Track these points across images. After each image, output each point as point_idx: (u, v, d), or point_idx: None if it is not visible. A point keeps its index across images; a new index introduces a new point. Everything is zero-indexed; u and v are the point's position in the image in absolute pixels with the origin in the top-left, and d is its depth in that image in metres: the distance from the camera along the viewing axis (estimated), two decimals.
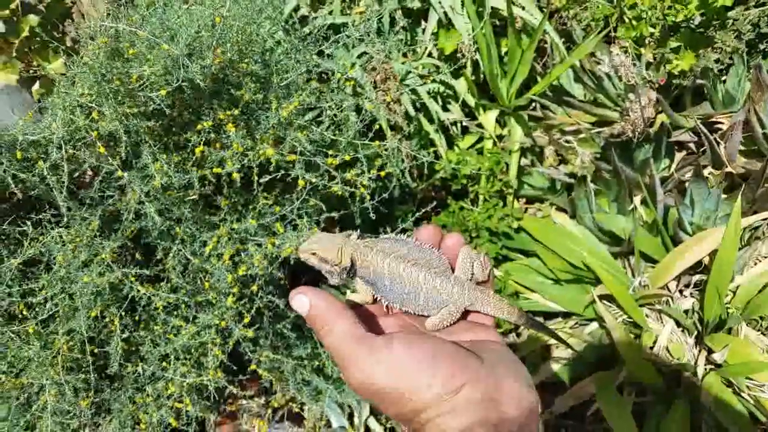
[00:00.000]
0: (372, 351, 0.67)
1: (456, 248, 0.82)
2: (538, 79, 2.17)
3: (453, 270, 0.83)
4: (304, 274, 1.84)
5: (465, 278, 0.81)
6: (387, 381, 0.65)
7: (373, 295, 0.82)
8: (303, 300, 0.72)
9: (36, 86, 1.63)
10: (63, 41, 1.76)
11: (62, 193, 1.20)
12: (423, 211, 1.62)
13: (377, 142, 1.43)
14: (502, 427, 0.63)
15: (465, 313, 0.82)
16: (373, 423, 1.89)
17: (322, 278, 0.85)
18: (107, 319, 1.42)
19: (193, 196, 1.31)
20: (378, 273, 0.80)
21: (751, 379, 1.67)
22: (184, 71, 1.14)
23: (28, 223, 1.29)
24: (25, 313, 1.33)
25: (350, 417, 1.88)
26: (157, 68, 1.16)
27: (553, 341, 1.94)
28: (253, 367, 1.59)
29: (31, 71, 1.65)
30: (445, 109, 2.13)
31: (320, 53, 1.65)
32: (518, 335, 2.05)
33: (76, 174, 1.35)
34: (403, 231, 1.63)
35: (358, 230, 0.86)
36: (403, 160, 1.54)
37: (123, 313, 1.41)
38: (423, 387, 0.64)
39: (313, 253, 0.81)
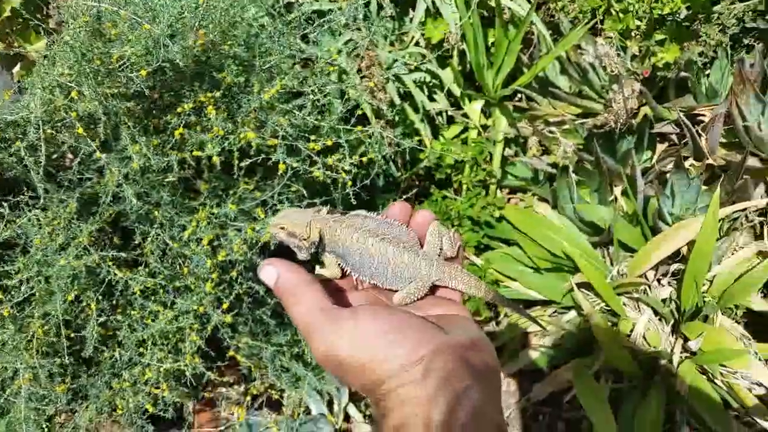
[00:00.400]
0: (337, 322, 0.67)
1: (426, 224, 0.83)
2: (524, 70, 2.17)
3: (422, 246, 0.83)
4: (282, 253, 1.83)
5: (433, 253, 0.82)
6: (350, 352, 0.65)
7: (342, 270, 0.82)
8: (271, 271, 0.72)
9: (17, 68, 1.61)
10: (46, 23, 1.73)
11: (39, 173, 1.18)
12: (405, 197, 1.62)
13: (360, 127, 1.43)
14: (464, 397, 0.63)
15: (433, 288, 0.82)
16: (352, 410, 1.90)
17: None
18: (84, 303, 1.40)
19: (173, 179, 1.30)
20: (346, 247, 0.80)
21: (725, 366, 1.69)
22: (164, 51, 1.12)
23: (5, 204, 1.27)
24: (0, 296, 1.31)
25: (330, 404, 1.89)
26: (138, 48, 1.14)
27: (531, 329, 1.95)
28: (231, 353, 1.58)
29: (12, 53, 1.62)
30: (430, 98, 2.12)
31: (306, 39, 1.64)
32: (497, 323, 2.06)
33: (55, 156, 1.33)
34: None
35: (328, 205, 0.86)
36: (388, 146, 1.54)
37: (100, 297, 1.40)
38: (387, 358, 0.64)
39: (282, 228, 0.81)
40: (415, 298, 0.79)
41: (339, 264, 0.82)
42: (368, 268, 0.80)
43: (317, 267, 0.84)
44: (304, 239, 0.81)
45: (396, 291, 0.80)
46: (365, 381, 0.66)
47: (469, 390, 0.64)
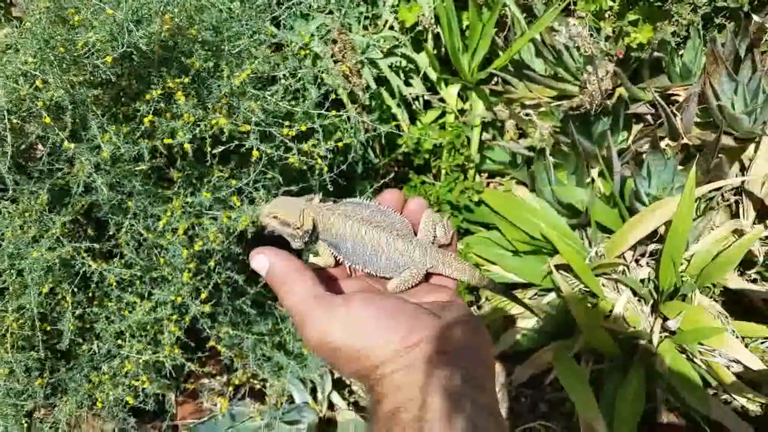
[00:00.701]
0: (330, 309, 0.66)
1: (419, 212, 0.83)
2: (500, 53, 2.16)
3: (416, 233, 0.83)
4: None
5: (427, 241, 0.82)
6: (344, 339, 0.65)
7: (336, 258, 0.82)
8: (262, 260, 0.71)
9: None
10: (9, 11, 1.70)
11: (6, 165, 1.16)
12: (382, 182, 1.61)
13: (334, 112, 1.42)
14: (456, 381, 0.63)
15: (427, 276, 0.82)
16: (336, 398, 1.90)
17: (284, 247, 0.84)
18: (59, 296, 1.38)
19: (143, 167, 1.28)
20: (340, 235, 0.80)
21: (704, 345, 1.71)
22: (129, 37, 1.10)
23: None
24: None
25: (313, 392, 1.88)
26: (102, 35, 1.12)
27: (513, 312, 1.96)
28: (212, 343, 1.57)
29: None
30: (407, 83, 2.11)
31: (277, 23, 1.62)
32: (479, 308, 2.06)
33: (23, 146, 1.31)
34: (378, 192, 1.63)
35: (320, 193, 0.85)
36: (363, 131, 1.53)
37: (75, 290, 1.38)
38: (380, 343, 0.64)
39: (275, 217, 0.80)
40: (409, 286, 0.80)
41: (332, 252, 0.82)
42: (362, 256, 0.80)
43: (310, 256, 0.84)
44: (298, 228, 0.80)
45: (390, 279, 0.80)
46: (359, 367, 0.66)
47: (465, 375, 0.64)
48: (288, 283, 0.69)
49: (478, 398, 0.64)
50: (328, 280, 0.76)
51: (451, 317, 0.69)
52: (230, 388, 1.82)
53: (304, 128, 1.35)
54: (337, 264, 0.83)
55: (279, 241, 0.82)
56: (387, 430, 0.62)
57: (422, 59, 2.07)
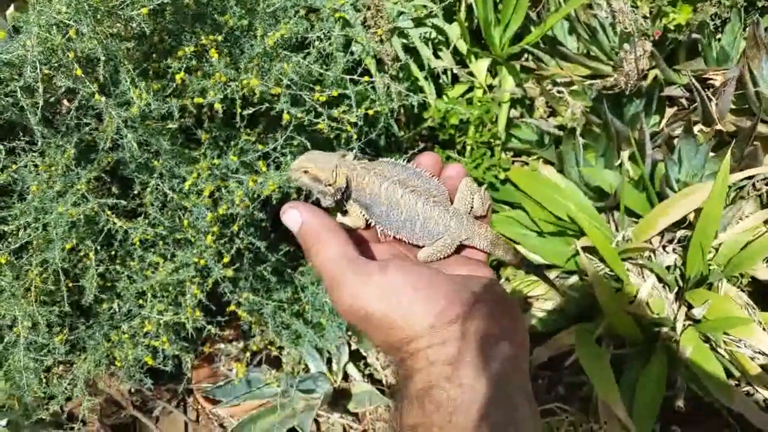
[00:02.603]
0: (364, 273, 0.64)
1: (456, 179, 0.79)
2: (532, 29, 2.12)
3: (452, 201, 0.79)
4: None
5: (464, 211, 0.78)
6: (378, 306, 0.63)
7: (366, 220, 0.78)
8: (295, 215, 0.69)
9: (11, 9, 1.55)
10: None
11: (37, 116, 1.14)
12: (408, 154, 1.58)
13: (367, 78, 1.38)
14: (493, 362, 0.62)
15: (459, 247, 0.79)
16: (351, 369, 1.89)
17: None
18: (82, 253, 1.37)
19: (173, 126, 1.26)
20: (374, 197, 0.76)
21: (729, 335, 1.68)
22: None
23: (3, 148, 1.23)
24: None
25: (329, 362, 1.88)
26: None
27: (533, 293, 1.94)
28: (232, 307, 1.56)
29: None
30: (436, 56, 2.07)
31: None
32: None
33: (52, 99, 1.29)
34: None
35: (355, 149, 0.81)
36: (392, 100, 1.50)
37: (98, 247, 1.37)
38: (416, 316, 0.62)
39: (306, 171, 0.76)
40: (442, 256, 0.77)
41: (363, 214, 0.78)
42: (395, 221, 0.76)
43: (338, 215, 0.80)
44: (330, 185, 0.76)
45: (421, 246, 0.77)
46: (391, 338, 0.63)
47: (502, 358, 0.62)
48: (321, 242, 0.67)
49: (514, 380, 0.62)
50: (358, 243, 0.72)
51: (488, 296, 0.67)
52: (247, 354, 1.82)
53: (336, 93, 1.32)
54: (367, 226, 0.79)
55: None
56: (419, 407, 0.60)
57: (453, 31, 2.02)
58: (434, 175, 0.79)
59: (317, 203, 0.77)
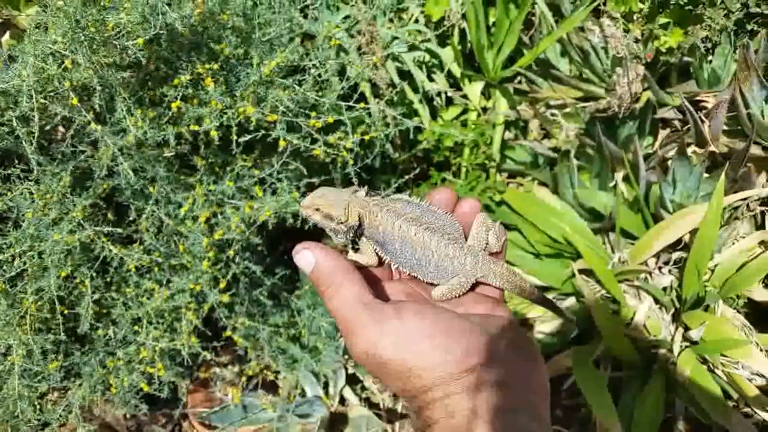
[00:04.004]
0: (380, 319, 0.63)
1: (471, 215, 0.78)
2: (525, 52, 2.14)
3: (466, 238, 0.78)
4: (283, 241, 1.80)
5: (479, 248, 0.77)
6: (394, 354, 0.62)
7: (380, 257, 0.77)
8: (308, 256, 0.68)
9: (6, 36, 1.56)
10: None
11: (32, 145, 1.14)
12: (405, 178, 1.59)
13: (362, 104, 1.39)
14: (515, 413, 0.61)
15: (474, 284, 0.78)
16: (348, 393, 1.88)
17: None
18: (77, 280, 1.37)
19: (169, 154, 1.26)
20: (387, 234, 0.75)
21: (726, 356, 1.68)
22: (162, 18, 1.08)
23: None
24: None
25: (325, 386, 1.87)
26: (134, 16, 1.10)
27: (531, 315, 1.93)
28: (228, 333, 1.56)
29: (0, 20, 1.57)
30: (430, 79, 2.09)
31: (304, 14, 1.60)
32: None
33: (48, 127, 1.30)
34: (398, 190, 1.59)
35: (366, 186, 0.81)
36: (387, 125, 1.50)
37: (94, 274, 1.37)
38: (434, 364, 0.61)
39: (317, 209, 0.76)
40: (457, 295, 0.75)
41: (376, 251, 0.77)
42: (409, 259, 0.75)
43: (350, 251, 0.79)
44: (342, 222, 0.76)
45: (436, 284, 0.76)
46: (409, 386, 0.62)
47: (522, 405, 0.62)
48: (335, 285, 0.66)
49: (531, 427, 0.61)
50: (371, 281, 0.71)
51: (505, 338, 0.66)
52: (243, 379, 1.80)
53: (331, 120, 1.33)
54: (380, 263, 0.78)
55: (313, 235, 0.78)
56: None
57: (447, 54, 2.04)
58: (448, 212, 0.77)
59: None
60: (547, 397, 0.66)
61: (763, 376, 1.62)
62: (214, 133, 1.26)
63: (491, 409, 0.60)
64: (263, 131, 1.34)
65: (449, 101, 2.18)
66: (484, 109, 2.16)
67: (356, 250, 0.79)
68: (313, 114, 1.35)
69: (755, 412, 1.64)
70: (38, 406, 1.46)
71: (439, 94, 2.11)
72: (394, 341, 0.62)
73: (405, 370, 0.62)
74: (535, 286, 0.83)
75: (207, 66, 1.22)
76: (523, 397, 0.62)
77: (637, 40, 2.03)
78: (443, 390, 0.61)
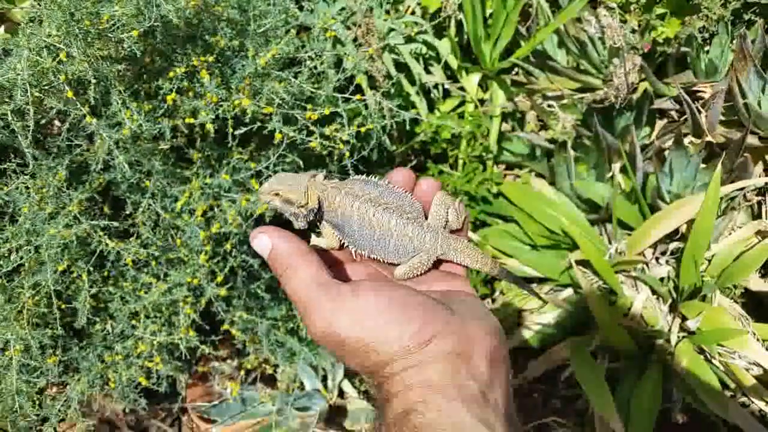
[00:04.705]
0: (336, 298, 0.63)
1: (430, 193, 0.78)
2: (522, 43, 2.13)
3: (426, 216, 0.78)
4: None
5: (438, 225, 0.77)
6: (351, 331, 0.62)
7: (340, 241, 0.77)
8: (264, 240, 0.68)
9: (0, 30, 1.55)
10: None
11: (28, 138, 1.14)
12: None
13: (359, 96, 1.39)
14: (471, 381, 0.61)
15: (437, 263, 0.78)
16: (347, 385, 1.88)
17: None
18: (74, 274, 1.37)
19: (165, 147, 1.26)
20: (346, 217, 0.75)
21: (723, 346, 1.68)
22: (157, 10, 1.08)
23: None
24: None
25: (324, 379, 1.87)
26: (128, 8, 1.10)
27: (527, 306, 1.94)
28: (226, 326, 1.56)
29: None
30: (427, 71, 2.08)
31: (300, 7, 1.60)
32: (493, 301, 2.04)
33: (43, 121, 1.29)
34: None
35: (324, 170, 0.81)
36: (383, 116, 1.50)
37: (91, 269, 1.36)
38: (390, 339, 0.61)
39: (276, 194, 0.76)
40: (419, 273, 0.76)
41: (337, 234, 0.77)
42: (368, 241, 0.75)
43: (312, 236, 0.79)
44: (302, 206, 0.76)
45: (397, 264, 0.76)
46: (366, 362, 0.63)
47: (479, 376, 0.62)
48: (291, 267, 0.66)
49: (493, 399, 0.62)
50: (332, 264, 0.72)
51: (465, 312, 0.66)
52: (241, 373, 1.81)
53: (327, 111, 1.32)
54: (342, 247, 0.78)
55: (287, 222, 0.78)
56: None
57: (444, 46, 2.03)
58: (407, 191, 0.77)
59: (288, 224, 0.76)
60: (508, 370, 0.67)
61: (759, 365, 1.62)
62: (209, 126, 1.26)
63: (447, 382, 0.60)
64: (259, 123, 1.33)
65: (446, 93, 2.18)
66: (482, 101, 2.15)
67: (318, 234, 0.79)
68: (309, 106, 1.35)
69: (752, 402, 1.65)
70: (37, 402, 1.46)
71: (436, 86, 2.10)
72: (350, 318, 0.62)
73: (362, 346, 0.62)
74: (497, 260, 0.83)
75: (202, 58, 1.22)
76: (480, 368, 0.62)
77: (633, 31, 2.03)
78: (400, 364, 0.61)
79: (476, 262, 0.79)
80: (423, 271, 0.76)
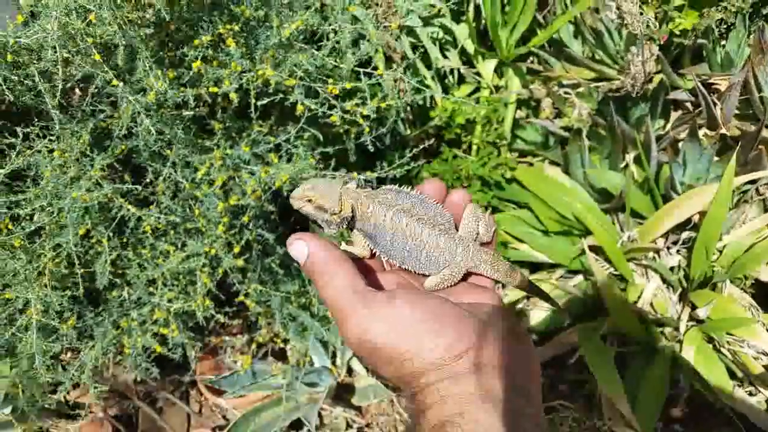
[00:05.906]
0: (372, 306, 0.64)
1: (461, 205, 0.79)
2: (538, 31, 2.14)
3: (457, 228, 0.79)
4: (294, 212, 1.81)
5: (469, 238, 0.78)
6: (386, 339, 0.63)
7: (371, 250, 0.78)
8: (301, 247, 0.69)
9: None
10: None
11: (56, 98, 1.15)
12: (412, 153, 1.58)
13: (381, 70, 1.40)
14: (506, 396, 0.61)
15: (465, 275, 0.79)
16: (355, 363, 1.90)
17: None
18: (94, 239, 1.38)
19: (188, 114, 1.27)
20: (379, 226, 0.76)
21: (732, 335, 1.69)
22: None
23: (19, 132, 1.24)
24: (10, 227, 1.29)
25: (333, 357, 1.88)
26: None
27: None
28: (241, 298, 1.57)
29: None
30: (443, 55, 2.09)
31: None
32: (503, 285, 2.05)
33: (67, 86, 1.30)
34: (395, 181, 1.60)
35: (358, 178, 0.81)
36: (400, 95, 1.51)
37: (111, 234, 1.38)
38: (425, 349, 0.62)
39: (309, 200, 0.76)
40: (449, 285, 0.76)
41: (368, 244, 0.77)
42: (401, 251, 0.76)
43: (343, 243, 0.80)
44: (335, 214, 0.76)
45: (428, 275, 0.77)
46: (402, 372, 0.63)
47: (513, 387, 0.62)
48: (328, 274, 0.67)
49: (526, 410, 0.62)
50: (365, 272, 0.72)
51: (496, 324, 0.67)
52: (253, 346, 1.82)
53: (349, 86, 1.33)
54: (372, 255, 0.79)
55: (304, 223, 0.77)
56: None
57: (461, 31, 2.04)
58: (438, 202, 0.78)
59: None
60: (539, 381, 0.68)
61: None
62: (233, 96, 1.27)
63: (483, 393, 0.61)
64: (281, 95, 1.34)
65: (461, 79, 2.19)
66: (497, 88, 2.16)
67: (348, 242, 0.79)
68: (331, 80, 1.36)
69: (759, 391, 1.66)
70: (51, 367, 1.47)
71: (451, 71, 2.11)
72: (385, 326, 0.63)
73: (397, 355, 0.63)
74: (525, 275, 0.84)
75: (228, 27, 1.23)
76: (515, 381, 0.63)
77: (649, 24, 2.03)
78: (435, 375, 0.62)
79: (505, 276, 0.80)
80: (453, 283, 0.77)
